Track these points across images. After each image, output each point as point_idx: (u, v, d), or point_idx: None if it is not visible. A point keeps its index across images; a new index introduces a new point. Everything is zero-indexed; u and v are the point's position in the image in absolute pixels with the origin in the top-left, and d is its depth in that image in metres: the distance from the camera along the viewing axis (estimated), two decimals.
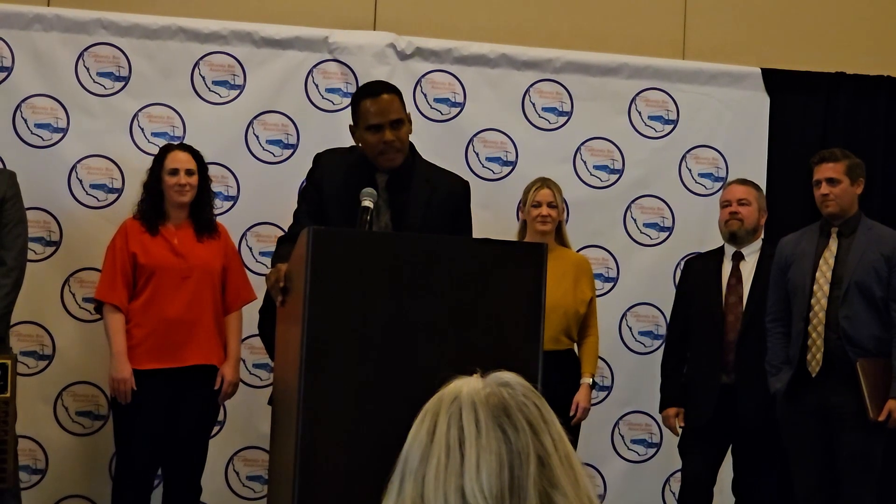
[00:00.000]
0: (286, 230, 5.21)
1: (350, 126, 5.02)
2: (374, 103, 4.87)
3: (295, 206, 5.16)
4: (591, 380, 6.37)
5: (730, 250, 6.48)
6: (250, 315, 6.15)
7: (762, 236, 6.53)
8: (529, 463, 1.77)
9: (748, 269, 6.42)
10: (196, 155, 6.24)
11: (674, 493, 6.95)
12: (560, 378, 6.12)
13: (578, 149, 7.16)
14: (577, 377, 6.34)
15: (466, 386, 1.82)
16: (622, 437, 7.11)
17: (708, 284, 6.44)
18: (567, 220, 6.71)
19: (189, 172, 6.17)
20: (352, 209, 4.63)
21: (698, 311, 6.45)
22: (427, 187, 4.95)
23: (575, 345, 6.44)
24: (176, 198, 6.16)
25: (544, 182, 6.47)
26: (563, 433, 1.83)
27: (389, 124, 4.84)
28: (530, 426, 1.79)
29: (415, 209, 4.90)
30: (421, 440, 1.80)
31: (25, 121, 6.60)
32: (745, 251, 6.46)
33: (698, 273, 6.55)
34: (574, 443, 1.84)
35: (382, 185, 4.88)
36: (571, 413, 6.24)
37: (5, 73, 6.60)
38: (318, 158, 5.11)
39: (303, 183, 5.31)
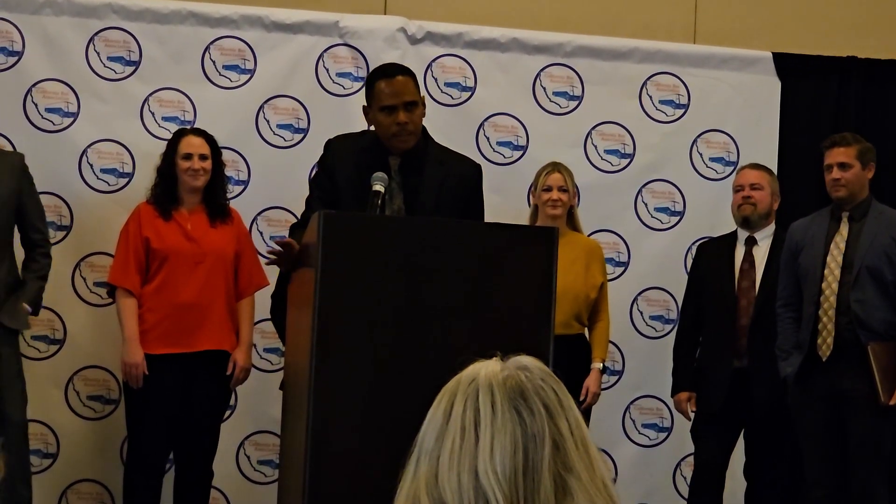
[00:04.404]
0: (298, 216, 5.21)
1: (364, 107, 5.03)
2: (388, 85, 4.87)
3: (306, 190, 5.15)
4: (601, 365, 6.37)
5: (743, 235, 6.48)
6: (262, 300, 6.16)
7: (775, 221, 6.51)
8: (544, 446, 1.77)
9: (761, 254, 6.42)
10: (210, 140, 6.24)
11: (685, 478, 6.95)
12: (571, 363, 6.12)
13: (589, 133, 7.15)
14: (587, 362, 6.34)
15: (485, 369, 1.83)
16: (633, 421, 7.11)
17: (721, 269, 6.44)
18: (578, 205, 6.70)
19: (203, 157, 6.17)
20: (364, 193, 4.64)
21: (711, 295, 6.45)
22: (440, 170, 4.95)
23: (586, 329, 6.44)
24: (189, 182, 6.16)
25: (555, 166, 6.47)
26: (581, 418, 1.84)
27: (403, 106, 4.84)
28: (546, 410, 1.80)
29: (428, 192, 4.90)
30: (437, 421, 1.81)
31: (36, 105, 6.60)
32: (757, 236, 6.45)
33: (711, 258, 6.55)
34: None
35: (395, 168, 4.88)
36: (581, 398, 6.24)
37: (16, 58, 6.60)
38: (329, 144, 5.11)
39: (313, 168, 5.30)
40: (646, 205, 7.19)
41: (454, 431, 1.78)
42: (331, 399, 4.25)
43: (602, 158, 7.16)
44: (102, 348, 6.54)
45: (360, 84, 6.70)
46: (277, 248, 4.65)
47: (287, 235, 5.20)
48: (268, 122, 6.84)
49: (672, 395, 6.59)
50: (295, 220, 5.42)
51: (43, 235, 6.13)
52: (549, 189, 6.40)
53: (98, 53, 6.69)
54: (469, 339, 4.23)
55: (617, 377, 7.09)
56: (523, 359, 1.85)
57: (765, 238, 6.46)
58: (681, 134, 7.24)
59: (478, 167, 5.16)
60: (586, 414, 6.28)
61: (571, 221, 6.50)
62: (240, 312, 6.21)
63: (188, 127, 6.47)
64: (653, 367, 7.02)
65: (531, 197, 6.67)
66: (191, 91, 6.76)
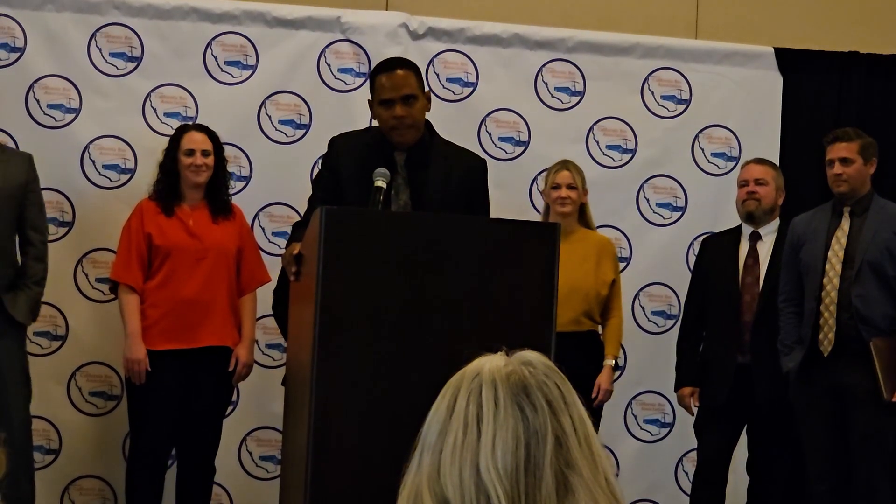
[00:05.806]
0: (300, 212, 5.21)
1: (369, 101, 5.04)
2: (388, 78, 4.89)
3: (308, 185, 5.15)
4: (613, 361, 6.35)
5: (747, 230, 6.47)
6: (264, 296, 6.17)
7: (779, 216, 6.51)
8: (546, 442, 1.77)
9: (765, 250, 6.41)
10: (212, 135, 6.23)
11: (687, 473, 6.95)
12: (582, 360, 6.12)
13: (591, 128, 7.15)
14: (599, 359, 6.30)
15: (489, 363, 1.82)
16: (635, 416, 7.11)
17: (725, 264, 6.43)
18: None
19: (205, 153, 6.16)
20: (370, 189, 4.64)
21: (715, 290, 6.44)
22: (445, 165, 4.95)
23: (599, 326, 6.41)
24: (192, 178, 6.15)
25: (564, 164, 6.45)
26: (585, 415, 1.83)
27: (401, 99, 4.85)
28: (549, 406, 1.79)
29: (433, 187, 4.91)
30: (440, 415, 1.80)
31: (38, 101, 6.60)
32: (762, 231, 6.44)
33: (715, 253, 6.54)
34: (596, 424, 1.83)
35: (401, 163, 4.89)
36: (593, 395, 6.23)
37: (18, 54, 6.60)
38: (334, 142, 5.11)
39: (315, 163, 5.30)
40: (647, 200, 7.19)
41: (457, 426, 1.78)
42: (333, 395, 4.25)
43: (604, 154, 7.16)
44: (105, 344, 6.54)
45: (362, 80, 6.71)
46: (294, 265, 4.62)
47: (289, 233, 5.20)
48: (269, 117, 6.84)
49: (675, 390, 6.58)
50: (296, 216, 5.42)
51: (41, 236, 6.08)
52: (557, 187, 6.38)
53: (100, 49, 6.68)
54: (471, 335, 4.23)
55: (619, 373, 7.08)
56: (527, 354, 1.84)
57: (769, 233, 6.45)
58: (683, 129, 7.24)
59: (482, 161, 5.16)
60: (598, 411, 6.25)
61: (583, 218, 6.48)
62: (242, 308, 6.21)
63: (190, 123, 6.47)
64: (655, 362, 7.01)
65: (541, 195, 6.66)
66: (193, 87, 6.76)
